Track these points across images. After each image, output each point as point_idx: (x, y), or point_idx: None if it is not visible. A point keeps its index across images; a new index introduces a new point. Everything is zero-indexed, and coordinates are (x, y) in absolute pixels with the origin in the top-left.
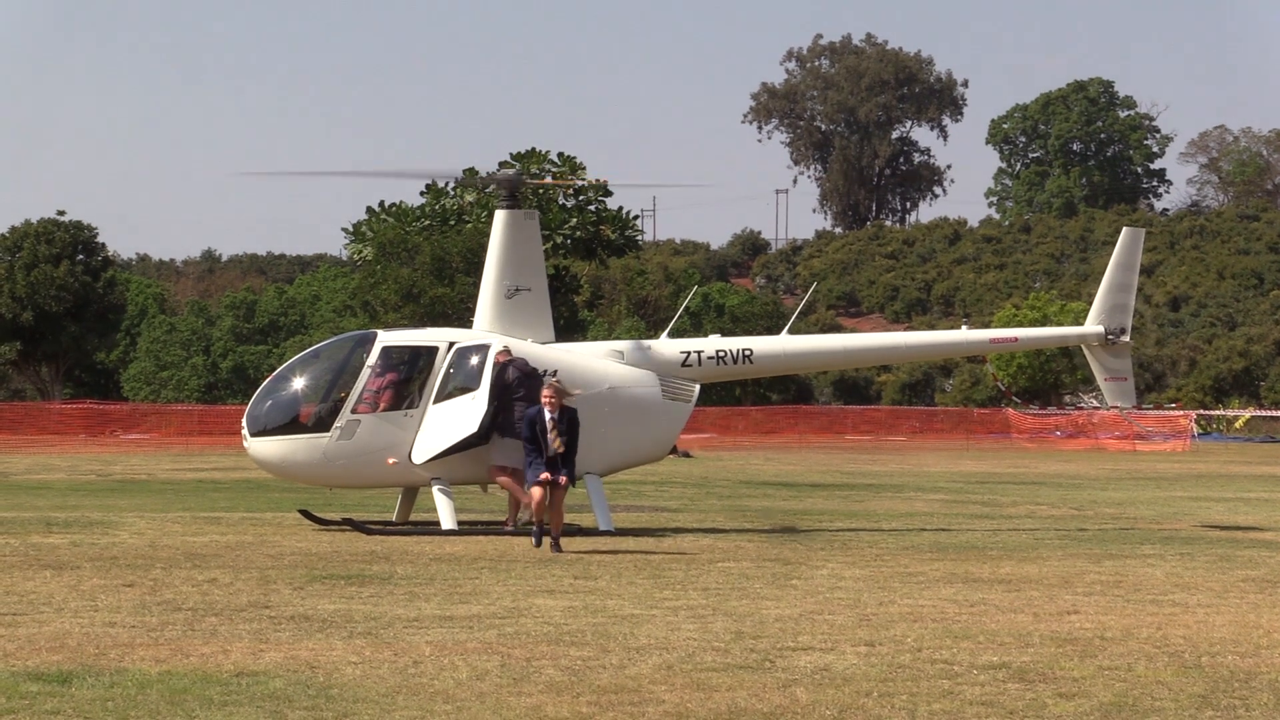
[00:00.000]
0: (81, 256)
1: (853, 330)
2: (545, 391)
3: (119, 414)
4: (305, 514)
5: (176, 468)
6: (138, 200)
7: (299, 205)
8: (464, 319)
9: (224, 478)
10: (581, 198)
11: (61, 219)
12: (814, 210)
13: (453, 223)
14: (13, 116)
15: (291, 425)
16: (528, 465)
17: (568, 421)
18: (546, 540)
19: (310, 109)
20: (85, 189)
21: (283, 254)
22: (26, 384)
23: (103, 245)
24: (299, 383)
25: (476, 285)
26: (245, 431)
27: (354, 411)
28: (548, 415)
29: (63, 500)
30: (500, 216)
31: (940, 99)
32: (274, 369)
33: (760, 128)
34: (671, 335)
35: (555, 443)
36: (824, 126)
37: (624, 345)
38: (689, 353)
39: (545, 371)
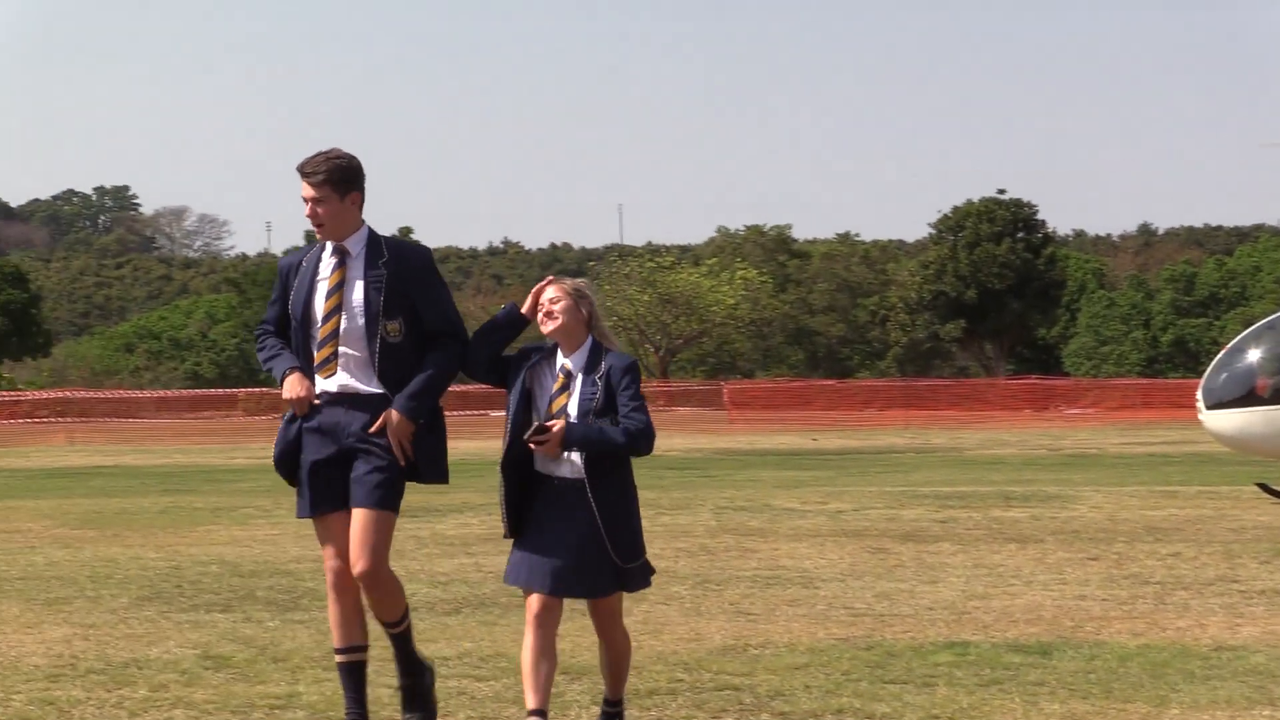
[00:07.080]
0: (1022, 234)
1: None
2: (544, 300)
3: (1062, 389)
4: (1263, 487)
5: (1124, 441)
6: (1075, 177)
7: (1236, 175)
8: None
9: (1174, 451)
10: None
11: (1002, 197)
12: None
13: None
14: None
15: (1248, 398)
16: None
17: (618, 374)
18: None
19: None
20: (1025, 167)
21: (1220, 225)
22: (971, 361)
23: (1042, 222)
24: (1255, 354)
25: None
26: (1200, 404)
27: None
28: (560, 360)
29: (1017, 474)
30: None
31: None
32: (1215, 342)
33: None
34: None
35: (554, 421)
36: None
37: None
38: None
39: None
